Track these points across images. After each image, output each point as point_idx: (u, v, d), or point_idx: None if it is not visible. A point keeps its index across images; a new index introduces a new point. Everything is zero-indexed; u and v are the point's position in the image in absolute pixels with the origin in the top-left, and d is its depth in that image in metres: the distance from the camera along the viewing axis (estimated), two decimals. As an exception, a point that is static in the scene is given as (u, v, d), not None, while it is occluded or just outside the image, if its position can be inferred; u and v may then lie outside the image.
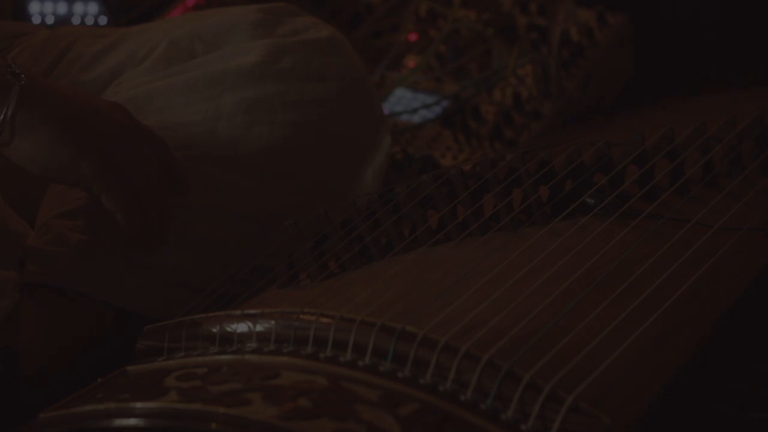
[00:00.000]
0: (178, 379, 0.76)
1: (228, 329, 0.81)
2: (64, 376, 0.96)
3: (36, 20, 1.63)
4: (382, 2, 1.76)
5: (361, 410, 0.70)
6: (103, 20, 1.65)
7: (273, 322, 0.79)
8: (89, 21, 1.65)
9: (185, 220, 1.02)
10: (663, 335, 0.78)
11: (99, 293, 1.00)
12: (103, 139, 0.93)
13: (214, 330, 0.81)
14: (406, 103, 1.59)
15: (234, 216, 1.05)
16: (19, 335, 0.96)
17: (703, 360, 0.80)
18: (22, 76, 0.91)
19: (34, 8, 1.63)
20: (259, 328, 0.79)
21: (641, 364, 0.75)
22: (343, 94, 1.11)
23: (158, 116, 1.06)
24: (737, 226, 0.91)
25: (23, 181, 1.03)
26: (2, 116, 0.90)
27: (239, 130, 1.07)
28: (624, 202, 0.93)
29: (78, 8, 1.65)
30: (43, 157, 0.92)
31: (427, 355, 0.73)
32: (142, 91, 1.09)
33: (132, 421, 0.72)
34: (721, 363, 0.83)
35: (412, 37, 1.70)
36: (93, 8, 1.65)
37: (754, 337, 0.87)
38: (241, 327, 0.80)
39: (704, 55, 1.75)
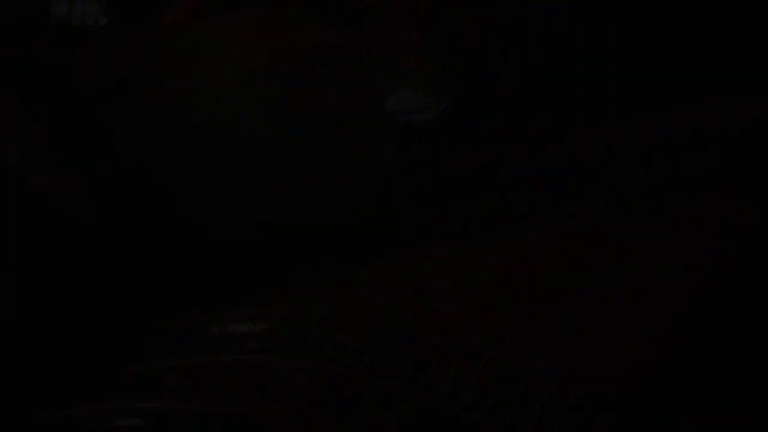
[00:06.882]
0: (178, 379, 0.76)
1: (228, 329, 0.81)
2: (64, 376, 0.96)
3: (36, 20, 1.63)
4: (383, 3, 1.76)
5: (361, 410, 0.70)
6: (103, 20, 1.65)
7: (273, 322, 0.79)
8: (89, 21, 1.65)
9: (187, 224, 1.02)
10: (648, 325, 0.79)
11: (99, 294, 1.00)
12: (116, 185, 0.94)
13: (215, 330, 0.81)
14: (406, 103, 1.60)
15: (236, 219, 1.06)
16: (19, 337, 0.96)
17: (679, 349, 0.80)
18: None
19: (34, 8, 1.63)
20: (259, 328, 0.79)
21: (633, 356, 0.76)
22: (347, 97, 1.12)
23: (161, 119, 1.07)
24: (725, 228, 0.92)
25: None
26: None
27: (243, 132, 1.07)
28: (622, 201, 0.93)
29: (78, 8, 1.64)
30: (55, 187, 0.93)
31: (427, 355, 0.73)
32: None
33: (132, 421, 0.72)
34: (697, 352, 0.83)
35: (412, 37, 1.70)
36: (93, 8, 1.65)
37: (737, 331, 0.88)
38: (242, 327, 0.80)
39: (705, 55, 1.75)
